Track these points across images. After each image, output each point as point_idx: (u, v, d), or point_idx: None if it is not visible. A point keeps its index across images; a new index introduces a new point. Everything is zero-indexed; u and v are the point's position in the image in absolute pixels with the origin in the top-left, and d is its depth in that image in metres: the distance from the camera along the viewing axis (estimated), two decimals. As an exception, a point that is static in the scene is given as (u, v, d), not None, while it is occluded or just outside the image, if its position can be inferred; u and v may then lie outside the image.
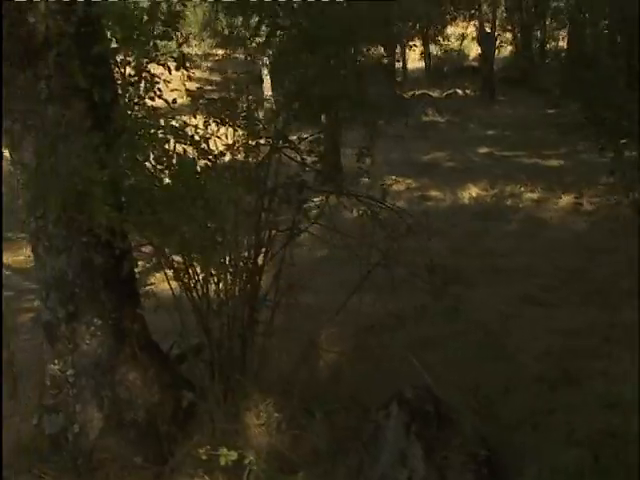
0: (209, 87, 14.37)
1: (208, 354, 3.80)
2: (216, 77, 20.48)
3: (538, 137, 14.38)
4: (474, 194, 10.27)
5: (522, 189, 10.08)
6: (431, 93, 20.28)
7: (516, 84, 20.56)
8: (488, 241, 7.65)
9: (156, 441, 3.56)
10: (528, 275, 6.36)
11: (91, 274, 3.56)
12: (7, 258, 9.24)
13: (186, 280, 3.75)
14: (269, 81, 16.53)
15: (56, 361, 3.58)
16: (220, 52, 22.77)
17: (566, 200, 8.99)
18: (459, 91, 21.13)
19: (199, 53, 23.15)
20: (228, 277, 3.67)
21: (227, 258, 3.60)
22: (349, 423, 3.63)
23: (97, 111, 3.54)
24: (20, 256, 9.36)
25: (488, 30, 20.56)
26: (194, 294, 3.78)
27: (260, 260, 3.81)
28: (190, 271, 3.68)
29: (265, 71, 16.64)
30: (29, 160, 3.51)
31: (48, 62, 3.43)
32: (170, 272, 3.79)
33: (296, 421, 3.63)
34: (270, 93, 14.55)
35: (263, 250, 3.83)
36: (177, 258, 3.72)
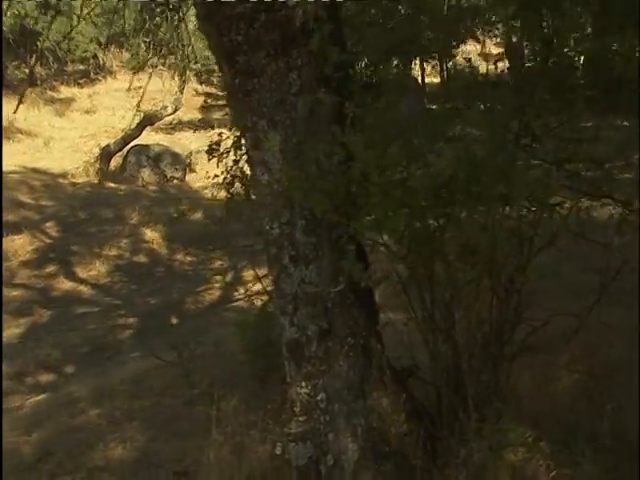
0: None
1: (454, 379, 3.41)
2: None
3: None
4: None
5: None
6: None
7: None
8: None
9: (412, 476, 3.17)
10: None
11: (343, 287, 3.17)
12: (80, 274, 8.81)
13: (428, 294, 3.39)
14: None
15: (304, 384, 3.18)
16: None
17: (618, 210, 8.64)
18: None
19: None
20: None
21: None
22: (622, 465, 3.22)
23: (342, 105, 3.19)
24: (92, 271, 8.96)
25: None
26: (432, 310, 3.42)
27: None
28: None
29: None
30: (274, 159, 3.14)
31: (301, 51, 3.08)
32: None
33: (557, 458, 3.23)
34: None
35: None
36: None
